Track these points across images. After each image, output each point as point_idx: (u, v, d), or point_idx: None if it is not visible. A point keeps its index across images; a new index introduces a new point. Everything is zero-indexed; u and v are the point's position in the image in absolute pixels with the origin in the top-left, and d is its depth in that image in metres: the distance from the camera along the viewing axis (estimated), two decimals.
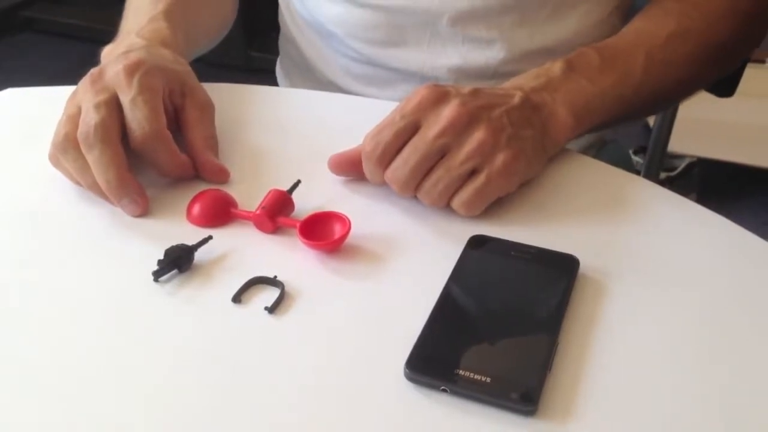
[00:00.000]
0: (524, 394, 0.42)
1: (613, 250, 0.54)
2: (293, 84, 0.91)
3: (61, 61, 2.55)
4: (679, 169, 1.90)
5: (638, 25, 0.70)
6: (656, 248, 0.54)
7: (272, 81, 0.95)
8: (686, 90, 0.74)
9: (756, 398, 0.44)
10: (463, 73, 0.77)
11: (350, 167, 0.60)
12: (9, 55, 2.62)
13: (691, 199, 0.59)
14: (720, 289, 0.51)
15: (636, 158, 1.85)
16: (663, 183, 0.64)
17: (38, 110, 0.70)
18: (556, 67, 0.63)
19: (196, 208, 0.57)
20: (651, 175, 1.17)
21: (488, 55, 0.76)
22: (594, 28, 0.78)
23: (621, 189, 0.60)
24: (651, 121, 1.20)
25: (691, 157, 1.90)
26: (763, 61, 2.00)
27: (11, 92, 0.74)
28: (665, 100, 0.78)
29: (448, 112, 0.54)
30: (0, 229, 0.56)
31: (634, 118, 0.70)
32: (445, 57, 0.77)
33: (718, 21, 0.70)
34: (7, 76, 2.43)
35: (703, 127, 1.93)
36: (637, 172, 0.70)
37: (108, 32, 0.72)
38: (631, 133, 1.97)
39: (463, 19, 0.74)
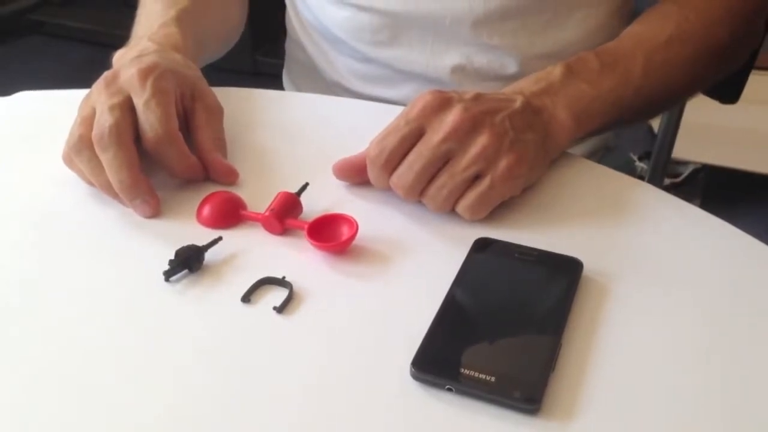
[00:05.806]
0: (528, 393, 0.43)
1: (616, 253, 0.55)
2: (299, 86, 0.92)
3: (68, 64, 2.56)
4: (684, 176, 1.90)
5: (637, 29, 0.71)
6: (659, 252, 0.55)
7: (279, 85, 0.96)
8: (686, 92, 0.75)
9: (757, 400, 0.44)
10: (466, 74, 0.78)
11: (354, 173, 0.60)
12: (17, 58, 2.63)
13: (695, 205, 0.59)
14: (723, 293, 0.51)
15: (640, 164, 1.85)
16: (667, 189, 0.64)
17: (51, 112, 0.71)
18: (556, 71, 0.63)
19: (206, 210, 0.58)
20: (655, 181, 1.17)
21: (491, 57, 0.77)
22: (594, 33, 0.78)
23: (624, 193, 0.61)
24: (655, 127, 1.20)
25: (696, 163, 1.90)
26: (767, 68, 2.01)
27: (25, 95, 0.75)
28: (665, 103, 0.78)
29: (451, 118, 0.55)
30: (11, 230, 0.57)
31: (634, 121, 0.71)
32: (448, 58, 0.78)
33: (717, 24, 0.71)
34: (15, 78, 2.45)
35: (708, 133, 1.93)
36: (642, 179, 0.71)
37: (114, 36, 0.73)
38: (635, 138, 1.97)
39: (464, 24, 0.75)
